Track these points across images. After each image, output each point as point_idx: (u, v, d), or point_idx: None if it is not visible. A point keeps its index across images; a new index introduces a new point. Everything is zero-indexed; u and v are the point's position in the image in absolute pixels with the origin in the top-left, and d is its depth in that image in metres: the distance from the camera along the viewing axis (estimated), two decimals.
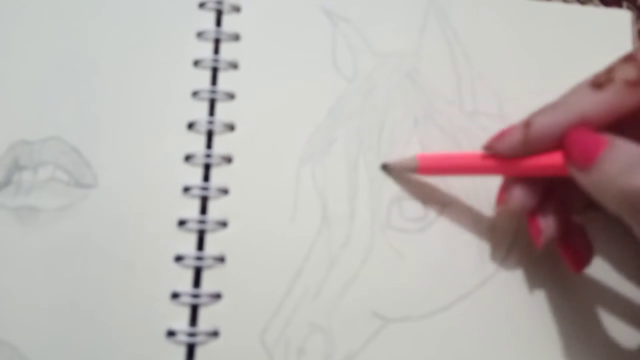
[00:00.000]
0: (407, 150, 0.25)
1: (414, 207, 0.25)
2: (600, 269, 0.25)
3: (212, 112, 0.25)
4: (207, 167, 0.24)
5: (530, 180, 0.22)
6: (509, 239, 0.25)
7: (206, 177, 0.24)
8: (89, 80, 0.25)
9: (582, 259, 0.23)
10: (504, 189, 0.23)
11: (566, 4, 0.29)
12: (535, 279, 0.24)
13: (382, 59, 0.26)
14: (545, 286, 0.24)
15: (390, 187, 0.25)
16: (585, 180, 0.19)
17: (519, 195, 0.22)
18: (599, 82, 0.20)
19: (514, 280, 0.24)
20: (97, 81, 0.25)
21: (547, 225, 0.22)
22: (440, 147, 0.25)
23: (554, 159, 0.21)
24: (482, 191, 0.25)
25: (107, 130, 0.24)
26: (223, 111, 0.25)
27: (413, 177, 0.25)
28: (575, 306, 0.24)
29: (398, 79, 0.26)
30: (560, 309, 0.24)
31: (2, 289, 0.22)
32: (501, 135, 0.22)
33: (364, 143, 0.25)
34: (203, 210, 0.23)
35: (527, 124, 0.21)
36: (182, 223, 0.23)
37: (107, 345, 0.22)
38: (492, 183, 0.24)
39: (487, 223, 0.25)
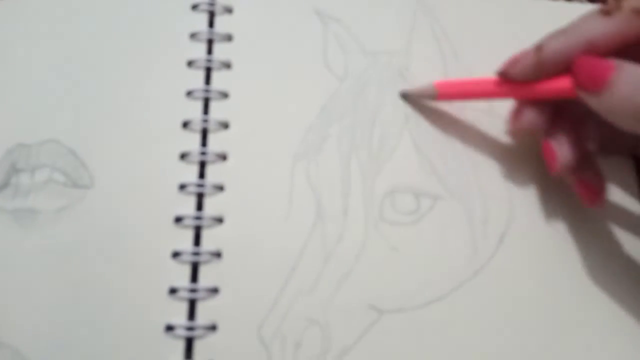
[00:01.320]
0: (399, 146, 0.26)
1: (406, 201, 0.25)
2: (590, 257, 0.25)
3: (206, 111, 0.25)
4: (202, 165, 0.24)
5: (541, 104, 0.23)
6: (500, 228, 0.25)
7: (202, 175, 0.24)
8: (84, 82, 0.25)
9: (596, 194, 0.24)
10: (517, 112, 0.24)
11: (553, 1, 0.30)
12: (528, 268, 0.25)
13: (372, 58, 0.27)
14: (538, 274, 0.25)
15: (383, 182, 0.25)
16: (597, 103, 0.21)
17: (531, 115, 0.23)
18: (607, 10, 0.22)
19: (507, 269, 0.25)
20: (93, 83, 0.25)
21: (561, 150, 0.23)
22: (431, 142, 0.26)
23: (563, 82, 0.22)
24: (473, 180, 0.26)
25: (103, 131, 0.25)
26: (217, 110, 0.25)
27: (430, 104, 0.26)
28: (568, 293, 0.25)
29: (389, 76, 0.27)
30: (553, 296, 0.24)
31: (1, 290, 0.23)
32: (514, 60, 0.23)
33: (356, 140, 0.26)
34: (199, 207, 0.24)
35: (538, 47, 0.22)
36: (178, 220, 0.23)
37: (107, 343, 0.22)
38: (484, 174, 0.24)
39: (479, 214, 0.25)
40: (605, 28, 0.21)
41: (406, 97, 0.26)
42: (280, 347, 0.23)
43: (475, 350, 0.24)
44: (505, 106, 0.25)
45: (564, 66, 0.22)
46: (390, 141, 0.26)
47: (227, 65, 0.26)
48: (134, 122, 0.25)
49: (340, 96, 0.26)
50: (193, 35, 0.26)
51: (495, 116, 0.26)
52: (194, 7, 0.27)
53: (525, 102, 0.24)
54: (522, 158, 0.26)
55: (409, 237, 0.25)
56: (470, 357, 0.23)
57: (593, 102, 0.21)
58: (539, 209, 0.26)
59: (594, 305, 0.24)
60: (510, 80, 0.23)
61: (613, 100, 0.20)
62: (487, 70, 0.27)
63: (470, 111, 0.26)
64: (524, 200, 0.26)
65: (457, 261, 0.25)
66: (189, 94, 0.25)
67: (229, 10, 0.27)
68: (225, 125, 0.25)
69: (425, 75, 0.27)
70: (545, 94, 0.23)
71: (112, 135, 0.25)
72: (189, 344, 0.22)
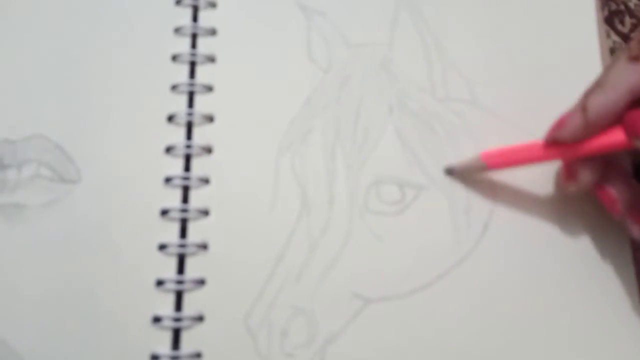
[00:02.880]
0: (383, 137, 0.26)
1: (390, 191, 0.25)
2: (574, 246, 0.26)
3: (191, 104, 0.25)
4: (187, 158, 0.25)
5: (592, 159, 0.23)
6: (484, 218, 0.26)
7: (187, 168, 0.24)
8: (70, 77, 0.26)
9: None
10: (569, 173, 0.24)
11: None
12: (511, 257, 0.25)
13: (355, 50, 0.27)
14: (521, 263, 0.25)
15: (368, 173, 0.25)
16: None
17: (588, 175, 0.23)
18: (635, 56, 0.22)
19: (490, 258, 0.25)
20: (79, 78, 0.26)
21: (619, 192, 0.23)
22: (414, 132, 0.26)
23: (617, 136, 0.22)
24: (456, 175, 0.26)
25: (90, 126, 0.25)
26: (202, 103, 0.25)
27: (477, 176, 0.26)
28: (551, 281, 0.25)
29: (372, 68, 0.27)
30: (537, 285, 0.25)
31: None
32: (560, 124, 0.23)
33: (341, 131, 0.26)
34: (185, 199, 0.24)
35: (583, 108, 0.22)
36: (164, 213, 0.24)
37: (95, 335, 0.22)
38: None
39: (462, 203, 0.26)
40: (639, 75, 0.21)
41: (451, 172, 0.26)
42: (267, 336, 0.23)
43: (459, 337, 0.24)
44: (488, 97, 0.26)
45: (611, 121, 0.22)
46: (374, 132, 0.26)
47: (211, 59, 0.26)
48: (119, 116, 0.25)
49: (324, 88, 0.26)
50: (177, 30, 0.26)
51: (478, 108, 0.27)
52: (178, 2, 0.27)
53: (574, 161, 0.24)
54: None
55: (394, 226, 0.25)
56: (454, 344, 0.24)
57: None
58: (522, 198, 0.26)
59: (577, 293, 0.25)
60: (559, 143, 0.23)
61: None
62: (469, 62, 0.27)
63: (453, 103, 0.27)
64: (507, 190, 0.26)
65: (440, 250, 0.25)
66: (174, 87, 0.25)
67: (212, 4, 0.27)
68: (210, 119, 0.25)
69: (409, 66, 0.27)
70: (598, 150, 0.23)
71: (98, 129, 0.25)
72: (176, 334, 0.22)
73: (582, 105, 0.22)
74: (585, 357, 0.24)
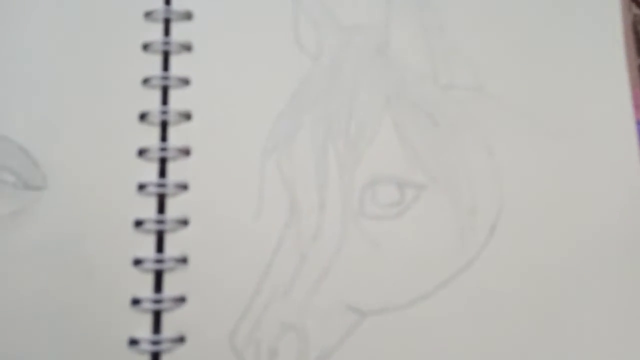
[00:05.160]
0: (379, 132, 0.24)
1: (388, 192, 0.23)
2: (587, 249, 0.23)
3: (165, 100, 0.23)
4: (163, 162, 0.22)
5: None
6: (491, 220, 0.23)
7: (162, 173, 0.22)
8: (33, 74, 0.23)
9: None
10: None
11: None
12: (520, 262, 0.23)
13: (348, 34, 0.24)
14: (531, 268, 0.23)
15: (363, 173, 0.23)
16: None
17: None
18: None
19: (498, 263, 0.23)
20: (43, 75, 0.23)
21: None
22: (414, 125, 0.24)
23: None
24: (460, 167, 0.24)
25: (56, 127, 0.23)
26: (177, 99, 0.23)
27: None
28: (562, 288, 0.23)
29: (367, 54, 0.24)
30: (547, 292, 0.23)
31: None
32: None
33: (333, 128, 0.23)
34: (161, 209, 0.22)
35: None
36: (138, 224, 0.22)
37: (69, 357, 0.21)
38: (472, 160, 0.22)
39: (466, 204, 0.23)
40: None
41: None
42: (254, 356, 0.21)
43: (465, 348, 0.22)
44: (497, 85, 0.23)
45: None
46: (369, 127, 0.24)
47: (187, 48, 0.23)
48: (87, 115, 0.23)
49: (314, 79, 0.24)
50: (148, 15, 0.24)
51: (484, 96, 0.24)
52: None
53: None
54: (514, 142, 0.24)
55: (392, 231, 0.23)
56: (459, 356, 0.22)
57: None
58: (532, 198, 0.24)
59: (596, 302, 0.23)
60: None
61: None
62: (476, 45, 0.25)
63: (457, 91, 0.24)
64: (516, 189, 0.24)
65: (443, 256, 0.23)
66: (146, 81, 0.23)
67: None
68: (187, 116, 0.23)
69: (407, 50, 0.24)
70: None
71: (64, 130, 0.23)
72: (155, 358, 0.21)
73: None
74: None
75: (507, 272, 0.23)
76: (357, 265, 0.22)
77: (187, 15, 0.24)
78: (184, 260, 0.22)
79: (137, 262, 0.21)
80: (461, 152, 0.24)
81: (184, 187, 0.22)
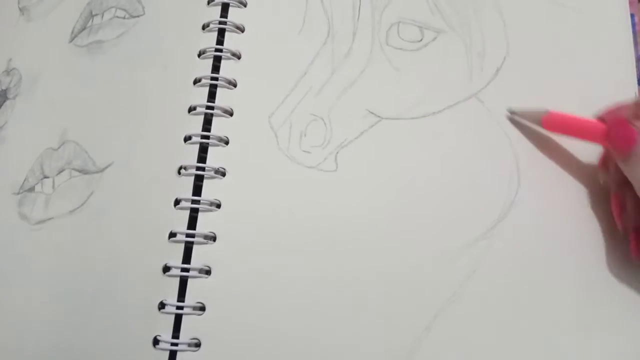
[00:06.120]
0: None
1: (411, 31, 0.28)
2: None
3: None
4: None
5: None
6: (497, 63, 0.27)
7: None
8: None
9: None
10: (604, 161, 0.25)
11: None
12: (520, 103, 0.27)
13: None
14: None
15: (391, 14, 0.28)
16: (622, 164, 0.22)
17: (617, 173, 0.24)
18: None
19: (500, 98, 0.27)
20: None
21: (630, 207, 0.23)
22: None
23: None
24: (474, 19, 0.28)
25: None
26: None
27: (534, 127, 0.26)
28: None
29: None
30: None
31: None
32: (614, 108, 0.24)
33: None
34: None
35: (637, 104, 0.23)
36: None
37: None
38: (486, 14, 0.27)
39: (477, 48, 0.28)
40: None
41: (513, 113, 0.27)
42: (287, 134, 0.25)
43: (460, 163, 0.26)
44: None
45: None
46: None
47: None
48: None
49: None
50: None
51: None
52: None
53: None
54: (521, 4, 0.29)
55: (412, 60, 0.27)
56: (454, 171, 0.26)
57: (619, 162, 0.22)
58: (533, 51, 0.28)
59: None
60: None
61: (633, 167, 0.22)
62: None
63: None
64: (520, 42, 0.28)
65: (453, 85, 0.27)
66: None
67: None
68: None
69: None
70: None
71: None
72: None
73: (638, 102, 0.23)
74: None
75: (508, 101, 0.27)
76: (379, 81, 0.27)
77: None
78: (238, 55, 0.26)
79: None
80: (477, 9, 0.28)
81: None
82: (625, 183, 0.23)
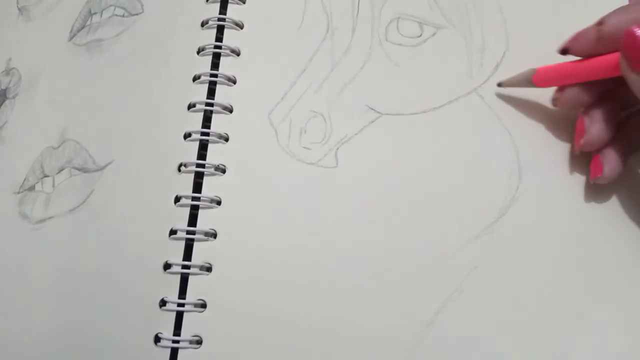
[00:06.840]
0: None
1: (410, 26, 0.28)
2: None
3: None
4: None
5: (587, 83, 0.24)
6: (496, 59, 0.27)
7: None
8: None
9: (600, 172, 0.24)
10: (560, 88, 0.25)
11: None
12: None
13: None
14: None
15: (390, 10, 0.28)
16: (632, 79, 0.21)
17: (572, 93, 0.24)
18: None
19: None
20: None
21: (590, 131, 0.23)
22: None
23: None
24: (474, 16, 0.28)
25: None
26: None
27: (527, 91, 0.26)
28: None
29: None
30: None
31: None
32: (576, 36, 0.23)
33: None
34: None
35: (600, 22, 0.23)
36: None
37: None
38: (486, 11, 0.27)
39: (477, 44, 0.28)
40: None
41: (501, 85, 0.27)
42: (287, 130, 0.25)
43: (457, 159, 0.26)
44: None
45: None
46: None
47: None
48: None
49: None
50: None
51: None
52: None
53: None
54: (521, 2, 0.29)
55: (411, 56, 0.27)
56: (454, 165, 0.26)
57: (630, 77, 0.21)
58: (533, 47, 0.27)
59: None
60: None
61: None
62: None
63: None
64: (521, 34, 0.28)
65: (453, 80, 0.27)
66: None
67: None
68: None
69: None
70: (592, 72, 0.23)
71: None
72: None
73: (600, 20, 0.23)
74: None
75: (509, 96, 0.27)
76: (379, 77, 0.27)
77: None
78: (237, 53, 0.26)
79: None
80: (476, 4, 0.28)
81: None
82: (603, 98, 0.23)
